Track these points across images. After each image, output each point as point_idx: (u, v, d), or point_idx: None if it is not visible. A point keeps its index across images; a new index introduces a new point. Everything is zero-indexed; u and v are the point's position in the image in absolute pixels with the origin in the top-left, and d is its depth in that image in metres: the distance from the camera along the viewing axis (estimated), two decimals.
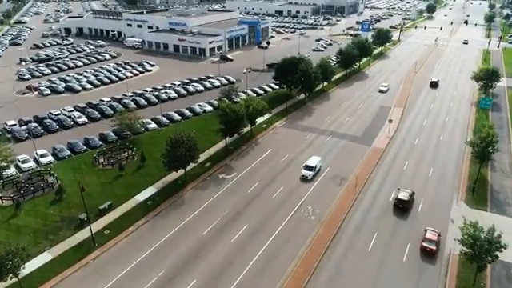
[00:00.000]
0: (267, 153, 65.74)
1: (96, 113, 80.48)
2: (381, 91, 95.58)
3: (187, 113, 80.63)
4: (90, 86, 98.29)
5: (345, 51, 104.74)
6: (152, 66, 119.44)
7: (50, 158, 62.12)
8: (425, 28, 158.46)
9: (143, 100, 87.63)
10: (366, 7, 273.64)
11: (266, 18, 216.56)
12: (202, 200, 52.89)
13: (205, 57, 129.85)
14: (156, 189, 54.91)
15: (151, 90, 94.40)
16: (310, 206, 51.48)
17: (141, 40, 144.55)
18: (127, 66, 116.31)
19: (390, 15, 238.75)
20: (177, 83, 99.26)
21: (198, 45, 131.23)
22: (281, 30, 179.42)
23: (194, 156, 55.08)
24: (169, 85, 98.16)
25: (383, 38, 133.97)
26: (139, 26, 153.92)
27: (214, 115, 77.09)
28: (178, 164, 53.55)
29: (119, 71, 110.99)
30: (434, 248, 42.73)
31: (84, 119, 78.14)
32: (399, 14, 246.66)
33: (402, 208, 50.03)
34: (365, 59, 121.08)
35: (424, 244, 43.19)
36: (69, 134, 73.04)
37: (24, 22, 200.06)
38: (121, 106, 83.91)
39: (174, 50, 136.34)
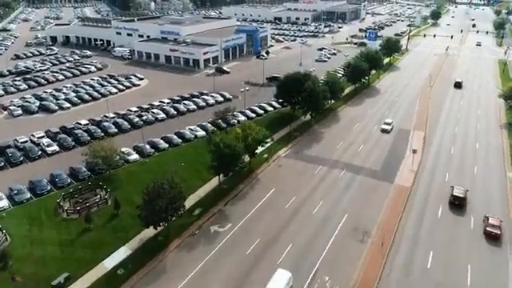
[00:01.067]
0: (269, 194, 53.94)
1: (69, 139, 68.56)
2: (384, 131, 73.82)
3: (176, 139, 68.77)
4: (67, 105, 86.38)
5: (353, 64, 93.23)
6: (140, 79, 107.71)
7: (3, 204, 50.14)
8: (434, 36, 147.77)
9: (126, 123, 75.75)
10: (368, 13, 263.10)
11: (265, 25, 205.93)
12: (188, 266, 40.98)
13: (199, 69, 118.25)
14: (130, 250, 42.94)
15: (136, 109, 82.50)
16: (326, 275, 39.67)
17: (130, 50, 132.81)
18: (112, 80, 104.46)
19: (394, 22, 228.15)
20: (166, 101, 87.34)
21: (191, 56, 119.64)
22: (280, 39, 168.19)
23: (179, 208, 43.23)
24: (157, 103, 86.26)
25: (392, 47, 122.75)
26: (129, 35, 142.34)
27: (207, 142, 65.79)
28: (158, 219, 41.69)
29: (103, 86, 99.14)
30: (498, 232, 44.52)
31: (55, 148, 66.11)
32: (402, 21, 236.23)
33: (458, 205, 50.37)
34: (373, 71, 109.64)
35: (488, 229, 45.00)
36: (35, 166, 61.14)
37: (9, 30, 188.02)
38: (99, 130, 72.06)
39: (165, 61, 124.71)
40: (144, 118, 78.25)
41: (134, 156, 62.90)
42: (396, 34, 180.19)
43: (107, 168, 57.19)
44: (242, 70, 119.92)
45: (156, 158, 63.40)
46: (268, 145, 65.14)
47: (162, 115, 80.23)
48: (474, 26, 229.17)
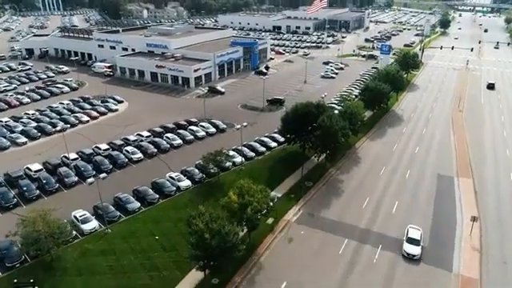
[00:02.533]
0: None
1: (10, 195, 51.30)
2: (408, 255, 41.60)
3: (151, 195, 51.61)
4: (23, 140, 69.21)
5: (372, 87, 76.53)
6: (119, 102, 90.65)
7: None
8: (452, 48, 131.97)
9: (90, 167, 58.59)
10: (371, 21, 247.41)
11: (263, 34, 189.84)
12: None
13: (189, 88, 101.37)
14: None
15: (106, 147, 65.28)
16: None
17: (111, 65, 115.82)
18: (86, 105, 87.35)
19: (400, 31, 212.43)
20: (145, 135, 70.16)
21: (180, 73, 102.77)
22: (281, 50, 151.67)
23: None
24: (133, 137, 69.03)
25: (410, 63, 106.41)
26: (112, 48, 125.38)
27: (196, 195, 49.48)
28: None
29: (73, 113, 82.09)
30: None
31: None
32: (408, 30, 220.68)
33: None
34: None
35: None
36: None
37: None
38: (53, 180, 54.85)
39: (151, 78, 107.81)
40: (116, 157, 61.27)
41: (92, 224, 45.70)
42: (406, 45, 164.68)
43: (47, 249, 39.94)
44: (238, 89, 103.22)
45: (122, 226, 46.26)
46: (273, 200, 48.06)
47: (138, 155, 63.11)
48: (486, 31, 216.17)
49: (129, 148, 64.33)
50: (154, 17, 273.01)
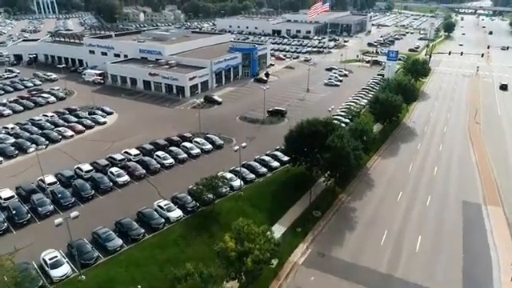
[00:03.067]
0: None
1: None
2: None
3: (135, 229, 44.39)
4: None
5: (383, 99, 69.49)
6: (108, 114, 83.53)
7: None
8: (461, 54, 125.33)
9: (69, 194, 51.35)
10: (373, 25, 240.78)
11: (263, 38, 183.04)
12: None
13: (184, 97, 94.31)
14: None
15: (89, 169, 58.06)
16: None
17: (101, 73, 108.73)
18: (71, 117, 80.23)
19: (403, 34, 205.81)
20: (133, 153, 62.97)
21: (174, 81, 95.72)
22: (281, 56, 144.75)
23: None
24: (120, 156, 61.87)
25: (419, 70, 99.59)
26: (104, 54, 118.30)
27: (187, 228, 42.63)
28: None
29: (56, 126, 74.96)
30: None
31: None
32: (411, 33, 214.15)
33: None
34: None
35: None
36: None
37: None
38: (25, 210, 47.69)
39: (143, 87, 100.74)
40: (99, 181, 54.17)
41: (63, 269, 38.48)
42: (411, 50, 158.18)
43: None
44: (237, 98, 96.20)
45: (99, 271, 39.04)
46: (276, 237, 40.93)
47: (124, 178, 55.94)
48: (490, 33, 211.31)
49: (114, 170, 57.10)
50: (151, 20, 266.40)
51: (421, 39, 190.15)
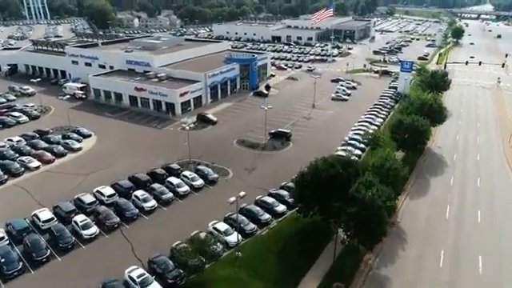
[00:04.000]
0: None
1: None
2: None
3: None
4: None
5: (409, 123, 57.72)
6: (86, 137, 71.77)
7: None
8: (480, 64, 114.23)
9: (15, 257, 39.42)
10: (376, 31, 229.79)
11: (262, 45, 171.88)
12: None
13: (174, 116, 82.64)
14: None
15: (49, 217, 46.04)
16: None
17: (82, 86, 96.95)
18: (41, 142, 68.39)
19: (409, 41, 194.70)
20: (107, 193, 51.05)
21: (163, 97, 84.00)
22: (282, 65, 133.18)
23: None
24: (90, 198, 49.98)
25: (439, 84, 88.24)
26: (88, 65, 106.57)
27: None
28: None
29: (21, 154, 63.11)
30: None
31: None
32: (417, 40, 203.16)
33: None
34: None
35: None
36: None
37: None
38: None
39: (129, 102, 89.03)
40: (59, 235, 42.36)
41: None
42: (420, 58, 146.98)
43: None
44: (234, 116, 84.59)
45: None
46: None
47: (92, 230, 44.06)
48: (499, 36, 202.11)
49: (80, 219, 45.11)
50: (146, 26, 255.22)
51: (429, 46, 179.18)
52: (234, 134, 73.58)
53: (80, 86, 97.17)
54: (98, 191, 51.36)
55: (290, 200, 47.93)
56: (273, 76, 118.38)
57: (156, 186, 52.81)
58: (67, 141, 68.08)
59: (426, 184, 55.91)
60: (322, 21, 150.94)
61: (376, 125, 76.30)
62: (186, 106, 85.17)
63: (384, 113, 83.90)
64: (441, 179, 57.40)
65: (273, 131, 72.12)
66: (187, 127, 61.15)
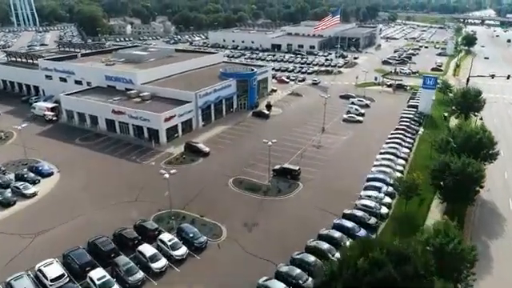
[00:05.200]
0: None
1: None
2: None
3: None
4: None
5: (458, 170, 43.24)
6: (46, 175, 57.30)
7: None
8: (508, 78, 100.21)
9: None
10: (381, 38, 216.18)
11: (261, 54, 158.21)
12: None
13: (158, 145, 68.28)
14: None
15: None
16: None
17: (53, 107, 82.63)
18: None
19: (417, 49, 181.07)
20: (51, 275, 36.33)
21: (146, 123, 69.61)
22: (284, 78, 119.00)
23: None
24: (25, 283, 35.39)
25: (472, 105, 74.23)
26: (63, 80, 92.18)
27: None
28: None
29: None
30: None
31: None
32: (426, 47, 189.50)
33: None
34: None
35: None
36: None
37: None
38: None
39: (106, 127, 74.64)
40: None
41: None
42: (434, 69, 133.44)
43: None
44: (230, 144, 70.29)
45: None
46: None
47: None
48: (508, 41, 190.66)
49: None
50: (138, 33, 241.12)
51: (440, 55, 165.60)
52: (230, 169, 59.38)
53: (50, 106, 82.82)
54: (39, 270, 36.84)
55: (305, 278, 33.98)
56: (274, 91, 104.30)
57: (121, 260, 38.24)
58: (19, 184, 53.44)
59: (485, 250, 41.43)
60: (327, 29, 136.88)
61: (403, 157, 62.29)
62: (172, 132, 70.88)
63: (409, 140, 69.82)
64: (503, 243, 43.01)
65: (277, 167, 57.97)
66: (166, 173, 46.11)
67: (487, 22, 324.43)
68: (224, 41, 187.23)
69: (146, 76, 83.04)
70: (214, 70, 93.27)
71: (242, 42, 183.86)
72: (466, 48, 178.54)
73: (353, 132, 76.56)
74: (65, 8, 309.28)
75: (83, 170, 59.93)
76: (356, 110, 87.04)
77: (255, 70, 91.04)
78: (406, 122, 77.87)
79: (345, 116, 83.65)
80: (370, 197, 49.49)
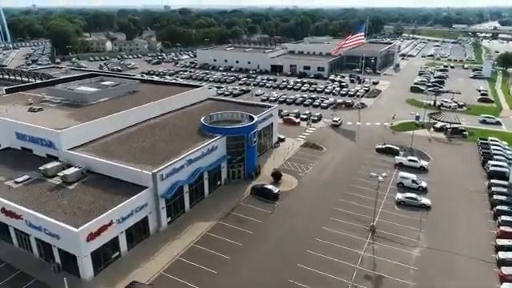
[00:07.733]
0: None
1: None
2: None
3: None
4: None
5: None
6: None
7: None
8: None
9: None
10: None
11: (259, 77, 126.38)
12: None
13: (78, 279, 34.82)
14: None
15: None
16: None
17: None
18: None
19: (444, 70, 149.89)
20: None
21: (54, 240, 36.28)
22: (292, 118, 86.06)
23: None
24: None
25: None
26: None
27: None
28: None
29: None
30: None
31: None
32: (452, 67, 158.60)
33: None
34: None
35: None
36: None
37: None
38: None
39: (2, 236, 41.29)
40: None
41: None
42: (481, 100, 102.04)
43: None
44: (212, 276, 36.96)
45: None
46: None
47: None
48: None
49: None
50: (119, 50, 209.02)
51: (474, 77, 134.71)
52: None
53: None
54: None
55: None
56: (281, 141, 71.76)
57: None
58: None
59: None
60: (347, 48, 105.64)
61: None
62: (108, 253, 37.79)
63: None
64: None
65: None
66: None
67: (502, 35, 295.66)
68: (215, 61, 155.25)
69: (77, 136, 49.75)
70: (195, 116, 60.69)
71: (237, 62, 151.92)
72: (503, 69, 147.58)
73: (425, 237, 44.00)
74: (42, 22, 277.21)
75: None
76: (413, 181, 54.60)
77: (256, 118, 58.09)
78: (505, 208, 45.37)
79: (399, 196, 51.13)
80: None
